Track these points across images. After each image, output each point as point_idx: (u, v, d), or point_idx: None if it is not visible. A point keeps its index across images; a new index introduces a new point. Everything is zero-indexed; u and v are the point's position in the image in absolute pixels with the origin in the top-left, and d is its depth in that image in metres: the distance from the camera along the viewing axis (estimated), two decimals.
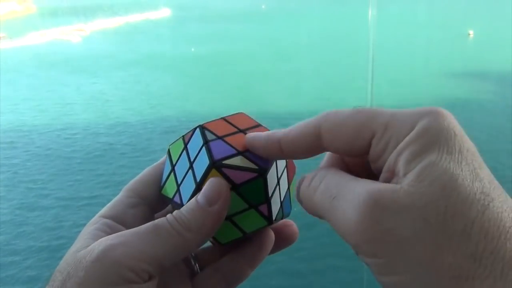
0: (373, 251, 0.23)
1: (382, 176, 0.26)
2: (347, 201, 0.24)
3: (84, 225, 0.33)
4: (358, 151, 0.27)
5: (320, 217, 0.27)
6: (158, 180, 0.34)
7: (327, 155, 0.32)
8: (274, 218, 0.31)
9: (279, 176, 0.32)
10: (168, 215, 0.30)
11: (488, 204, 0.22)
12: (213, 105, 12.94)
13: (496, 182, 0.23)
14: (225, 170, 0.30)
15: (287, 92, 13.63)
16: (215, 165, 0.30)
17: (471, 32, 22.16)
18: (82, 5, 40.49)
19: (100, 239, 0.28)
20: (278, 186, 0.32)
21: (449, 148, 0.24)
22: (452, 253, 0.21)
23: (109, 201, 0.34)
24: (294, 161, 0.36)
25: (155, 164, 0.36)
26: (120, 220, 0.33)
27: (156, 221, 0.29)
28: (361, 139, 0.27)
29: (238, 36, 23.50)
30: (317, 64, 17.23)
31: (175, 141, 0.34)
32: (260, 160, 0.30)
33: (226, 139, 0.31)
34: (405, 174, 0.24)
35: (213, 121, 0.33)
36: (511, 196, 0.23)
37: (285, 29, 25.33)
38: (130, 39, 24.09)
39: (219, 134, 0.31)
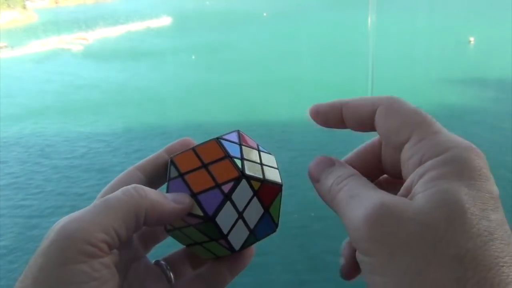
0: (369, 248, 0.24)
1: (400, 193, 0.27)
2: (361, 201, 0.26)
3: None
4: (394, 144, 0.29)
5: (334, 210, 0.28)
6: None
7: (356, 156, 0.33)
8: (240, 247, 0.33)
9: (241, 209, 0.32)
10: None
11: (488, 242, 0.22)
12: (214, 112, 12.93)
13: (507, 228, 0.24)
14: None
15: (286, 99, 13.60)
16: None
17: (471, 39, 22.20)
18: (83, 14, 40.68)
19: (55, 223, 0.28)
20: (241, 219, 0.32)
21: (470, 183, 0.24)
22: (439, 272, 0.22)
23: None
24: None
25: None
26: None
27: (106, 196, 0.29)
28: (400, 135, 0.28)
29: (239, 44, 23.55)
30: (317, 71, 17.23)
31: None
32: (209, 205, 0.31)
33: (187, 177, 0.32)
34: (419, 193, 0.25)
35: (184, 152, 0.33)
36: None
37: (286, 37, 25.39)
38: (130, 47, 24.15)
39: (183, 170, 0.32)
